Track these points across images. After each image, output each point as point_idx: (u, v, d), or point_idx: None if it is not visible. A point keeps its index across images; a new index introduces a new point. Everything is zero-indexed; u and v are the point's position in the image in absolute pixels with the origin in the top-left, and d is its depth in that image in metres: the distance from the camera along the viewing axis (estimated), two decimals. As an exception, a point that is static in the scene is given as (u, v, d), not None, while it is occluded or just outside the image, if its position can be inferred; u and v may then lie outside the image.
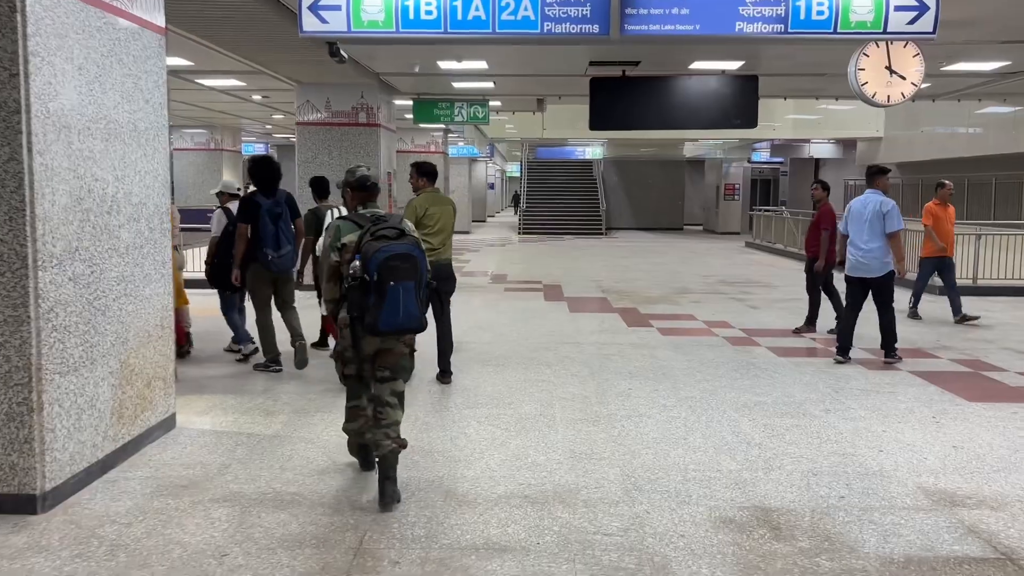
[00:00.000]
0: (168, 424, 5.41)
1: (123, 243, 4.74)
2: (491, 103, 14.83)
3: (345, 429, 4.70)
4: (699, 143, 31.77)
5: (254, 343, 7.61)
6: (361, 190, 4.52)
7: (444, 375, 6.89)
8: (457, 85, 13.34)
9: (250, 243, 6.98)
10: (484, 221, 37.77)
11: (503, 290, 13.32)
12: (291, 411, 5.96)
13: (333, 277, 4.28)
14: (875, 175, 7.78)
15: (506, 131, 27.41)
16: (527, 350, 8.28)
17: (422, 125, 20.47)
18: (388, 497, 4.17)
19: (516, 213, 31.83)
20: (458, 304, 11.82)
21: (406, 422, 5.16)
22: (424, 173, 6.75)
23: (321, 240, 6.65)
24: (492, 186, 45.40)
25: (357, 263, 4.10)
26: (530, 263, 18.49)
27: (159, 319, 5.22)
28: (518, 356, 7.99)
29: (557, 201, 31.44)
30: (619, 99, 11.22)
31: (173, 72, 12.00)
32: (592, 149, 32.51)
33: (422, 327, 4.26)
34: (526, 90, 14.38)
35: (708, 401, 6.35)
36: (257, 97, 15.34)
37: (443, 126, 21.08)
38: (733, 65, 11.35)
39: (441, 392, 6.57)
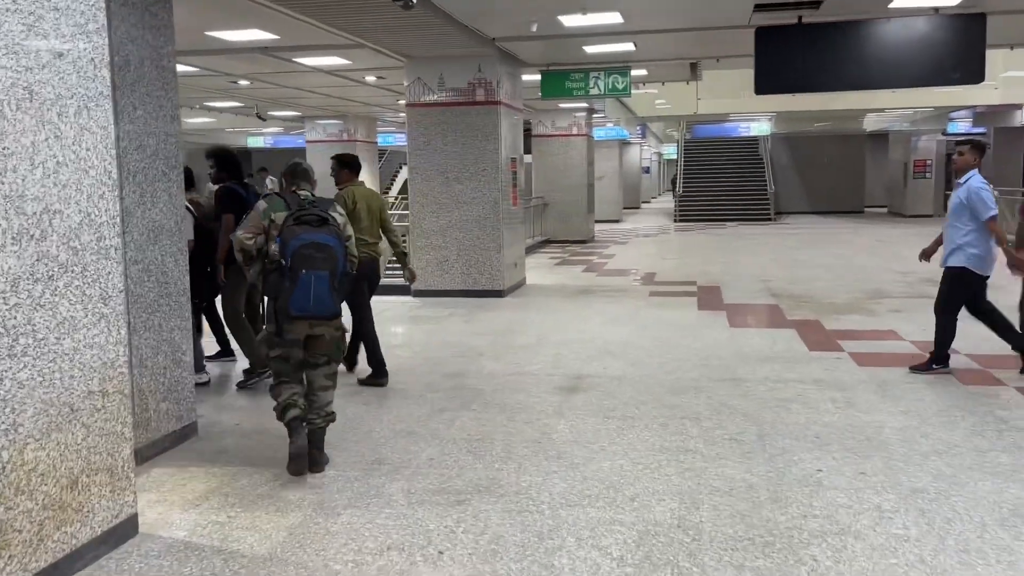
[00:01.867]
0: (123, 533, 3.69)
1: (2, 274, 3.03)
2: (633, 72, 12.56)
3: (277, 404, 4.58)
4: (884, 114, 27.92)
5: (208, 376, 6.67)
6: (290, 175, 4.69)
7: (378, 376, 6.45)
8: (591, 50, 11.20)
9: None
10: (638, 208, 35.32)
11: (648, 295, 11.12)
12: (312, 505, 4.12)
13: (241, 252, 4.40)
14: None
15: (656, 107, 24.87)
16: (668, 392, 6.11)
17: (562, 105, 18.45)
18: (318, 464, 4.53)
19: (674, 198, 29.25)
20: (589, 315, 9.83)
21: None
22: (345, 165, 6.32)
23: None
24: (647, 170, 42.76)
25: (275, 247, 4.27)
26: (685, 257, 16.10)
27: (99, 381, 3.50)
28: (654, 402, 5.84)
29: (718, 184, 28.56)
30: (794, 53, 8.77)
31: (263, 50, 10.57)
32: (757, 125, 29.31)
33: (335, 315, 4.39)
34: (675, 51, 12.02)
35: (950, 501, 4.01)
36: (371, 79, 13.80)
37: (586, 105, 18.93)
38: (950, 0, 8.62)
39: (522, 468, 4.55)
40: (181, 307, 5.13)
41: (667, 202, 38.63)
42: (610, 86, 12.00)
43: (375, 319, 6.63)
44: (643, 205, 37.58)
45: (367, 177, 21.22)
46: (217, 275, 6.41)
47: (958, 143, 6.46)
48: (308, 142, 21.58)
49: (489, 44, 10.44)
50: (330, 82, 14.07)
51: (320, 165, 20.98)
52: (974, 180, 6.09)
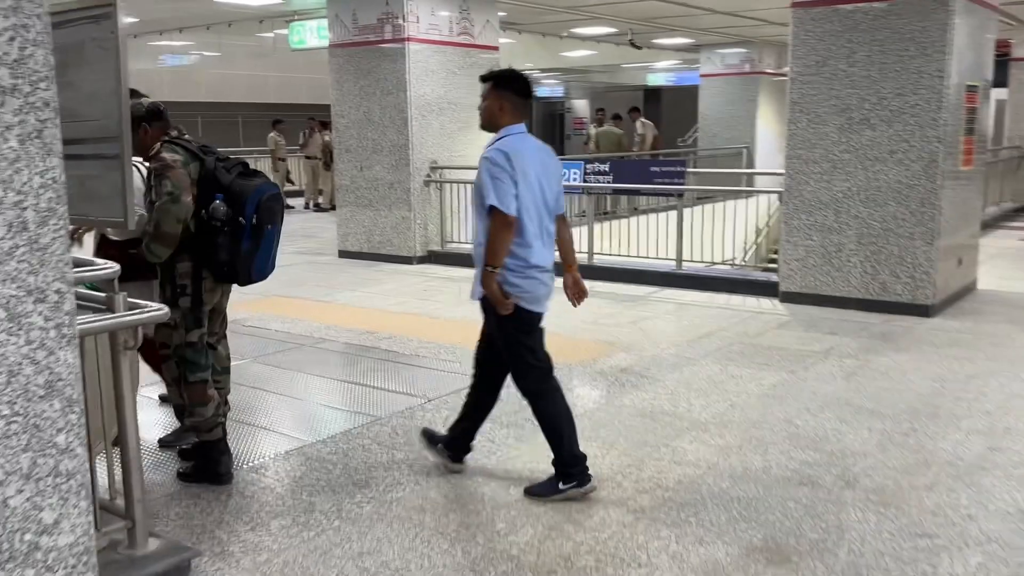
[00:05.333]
0: None
1: None
2: None
3: (191, 423, 3.78)
4: None
5: None
6: (159, 119, 3.71)
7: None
8: None
9: None
10: None
11: None
12: None
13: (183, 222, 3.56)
14: None
15: None
16: None
17: None
18: (228, 471, 3.83)
19: None
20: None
21: None
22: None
23: None
24: None
25: (220, 203, 3.55)
26: None
27: None
28: None
29: None
30: None
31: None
32: None
33: None
34: None
35: None
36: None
37: None
38: None
39: None
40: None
41: None
42: None
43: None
44: None
45: (773, 115, 17.08)
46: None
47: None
48: (703, 76, 17.99)
49: None
50: None
51: (712, 107, 16.97)
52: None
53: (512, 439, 4.34)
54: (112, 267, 2.76)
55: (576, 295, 3.80)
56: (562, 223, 3.74)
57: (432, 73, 9.77)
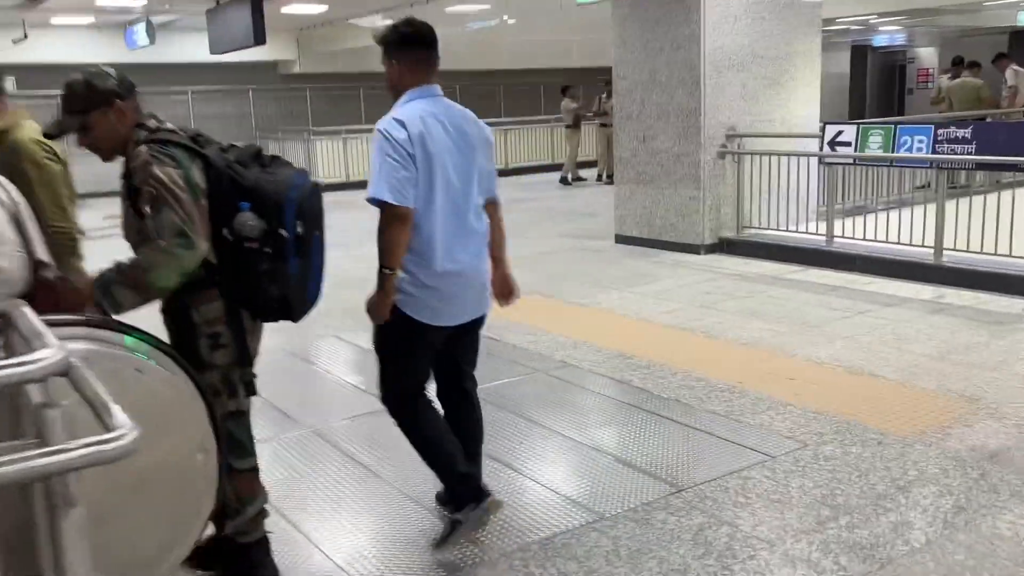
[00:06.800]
0: None
1: None
2: None
3: (235, 527, 2.66)
4: None
5: None
6: (133, 95, 2.52)
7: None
8: None
9: None
10: None
11: None
12: None
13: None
14: None
15: None
16: None
17: None
18: None
19: None
20: None
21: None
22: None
23: None
24: None
25: (249, 215, 2.44)
26: None
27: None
28: None
29: None
30: None
31: None
32: None
33: None
34: None
35: None
36: None
37: None
38: None
39: None
40: None
41: None
42: None
43: None
44: None
45: None
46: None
47: None
48: None
49: None
50: None
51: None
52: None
53: None
54: (55, 359, 1.55)
55: (504, 295, 3.12)
56: (492, 208, 3.01)
57: (734, 20, 7.95)
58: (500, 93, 20.83)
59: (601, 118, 14.54)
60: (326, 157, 15.28)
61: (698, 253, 8.02)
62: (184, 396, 2.28)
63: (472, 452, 3.08)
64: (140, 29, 14.32)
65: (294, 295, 2.58)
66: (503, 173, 16.57)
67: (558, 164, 15.57)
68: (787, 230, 7.80)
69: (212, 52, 12.87)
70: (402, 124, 2.70)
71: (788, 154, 7.76)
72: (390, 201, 2.65)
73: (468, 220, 2.85)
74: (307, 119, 18.05)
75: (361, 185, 15.50)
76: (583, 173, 15.08)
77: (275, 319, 2.67)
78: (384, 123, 2.74)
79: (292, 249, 2.51)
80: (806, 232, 7.69)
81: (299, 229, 2.51)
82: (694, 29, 7.81)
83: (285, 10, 13.89)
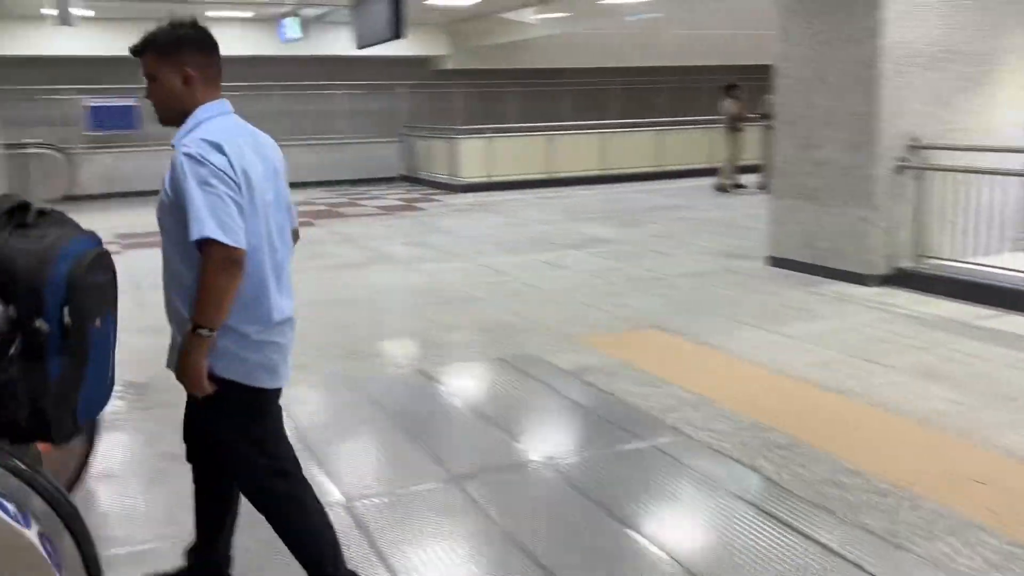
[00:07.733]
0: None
1: None
2: None
3: None
4: None
5: None
6: None
7: None
8: None
9: None
10: None
11: None
12: None
13: None
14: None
15: None
16: None
17: None
18: None
19: None
20: None
21: None
22: None
23: None
24: None
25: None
26: None
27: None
28: None
29: None
30: None
31: None
32: None
33: None
34: None
35: None
36: None
37: None
38: None
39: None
40: None
41: None
42: None
43: None
44: None
45: None
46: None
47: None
48: None
49: None
50: None
51: None
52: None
53: None
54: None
55: None
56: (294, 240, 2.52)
57: (925, 7, 6.66)
58: (661, 90, 19.68)
59: (768, 120, 13.25)
60: (469, 157, 14.74)
61: (866, 285, 6.77)
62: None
63: (229, 524, 2.62)
64: (291, 22, 14.30)
65: (53, 408, 1.93)
66: (655, 176, 15.58)
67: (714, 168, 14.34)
68: (980, 263, 6.44)
69: (357, 46, 12.60)
70: (217, 147, 2.20)
71: (987, 172, 6.40)
72: (224, 241, 2.12)
73: (287, 259, 2.45)
74: (456, 116, 17.63)
75: (501, 186, 14.53)
76: (744, 179, 13.80)
77: (26, 441, 2.03)
78: (191, 145, 2.20)
79: (55, 346, 1.91)
80: (1004, 268, 6.27)
81: (66, 318, 1.91)
82: (873, 18, 6.57)
83: (431, 1, 13.44)
